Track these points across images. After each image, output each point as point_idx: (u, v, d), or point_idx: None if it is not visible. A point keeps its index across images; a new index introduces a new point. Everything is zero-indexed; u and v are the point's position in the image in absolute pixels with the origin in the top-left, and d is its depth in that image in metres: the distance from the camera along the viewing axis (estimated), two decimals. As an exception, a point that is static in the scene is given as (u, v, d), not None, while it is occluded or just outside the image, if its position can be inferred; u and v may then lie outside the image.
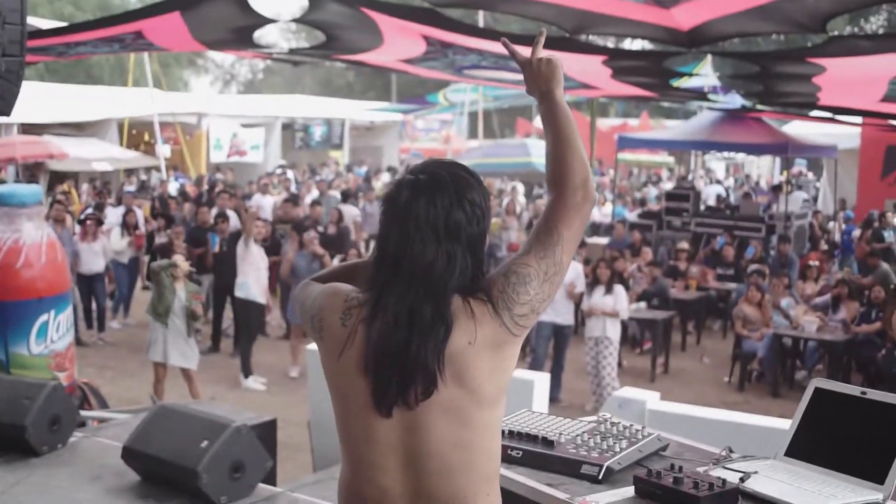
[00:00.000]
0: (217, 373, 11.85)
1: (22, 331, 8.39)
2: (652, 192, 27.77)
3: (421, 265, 2.20)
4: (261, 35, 10.91)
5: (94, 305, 13.49)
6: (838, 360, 12.06)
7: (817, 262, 15.20)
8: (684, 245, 16.47)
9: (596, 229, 21.09)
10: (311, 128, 33.75)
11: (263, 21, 9.59)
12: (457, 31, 9.66)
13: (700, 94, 16.33)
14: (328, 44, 10.82)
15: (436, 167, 2.33)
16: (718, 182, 31.39)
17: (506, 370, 2.27)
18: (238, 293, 11.53)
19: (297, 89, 54.96)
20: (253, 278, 11.36)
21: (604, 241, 18.26)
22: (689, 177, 29.53)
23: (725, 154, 25.06)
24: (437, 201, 2.23)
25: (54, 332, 8.59)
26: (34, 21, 15.07)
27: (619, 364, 12.20)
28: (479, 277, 2.27)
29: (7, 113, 8.51)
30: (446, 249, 2.21)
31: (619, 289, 11.07)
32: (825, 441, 2.42)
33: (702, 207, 20.71)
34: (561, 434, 2.49)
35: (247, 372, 11.46)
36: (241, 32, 10.37)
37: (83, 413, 7.62)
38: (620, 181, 31.00)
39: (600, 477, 2.30)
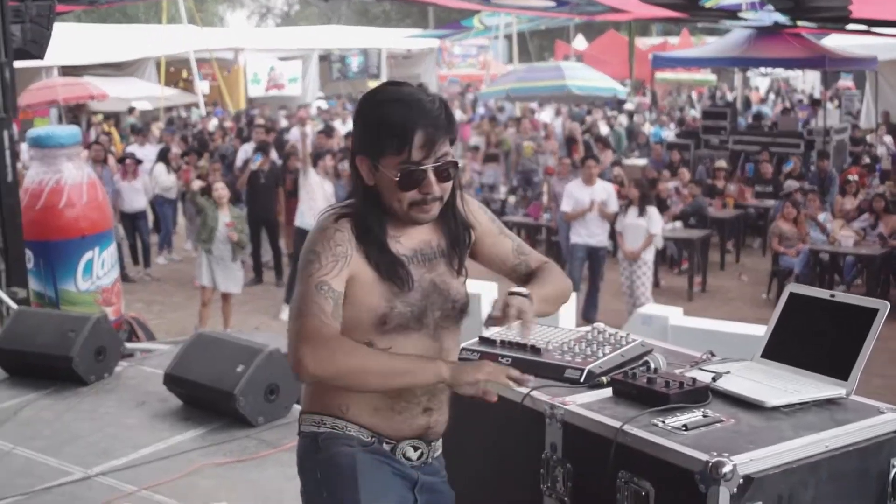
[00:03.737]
0: (260, 303, 12.14)
1: (68, 268, 8.71)
2: (691, 112, 27.58)
3: None
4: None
5: (139, 242, 13.79)
6: (876, 275, 12.09)
7: (857, 177, 15.05)
8: (722, 164, 16.43)
9: (633, 149, 21.08)
10: (349, 58, 33.64)
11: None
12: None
13: (731, 13, 16.14)
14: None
15: None
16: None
17: None
18: (296, 222, 11.73)
19: (333, 20, 54.68)
20: (307, 206, 11.48)
21: (641, 161, 18.28)
22: (732, 95, 29.18)
23: (765, 70, 24.77)
24: None
25: (99, 269, 8.89)
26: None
27: (657, 284, 12.31)
28: None
29: (40, 56, 8.77)
30: None
31: (652, 210, 11.09)
32: (797, 342, 2.58)
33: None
34: (549, 342, 2.66)
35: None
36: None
37: (130, 345, 7.93)
38: (661, 101, 30.77)
39: (582, 380, 2.48)
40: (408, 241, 2.53)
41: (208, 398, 5.38)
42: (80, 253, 8.75)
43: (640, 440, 2.14)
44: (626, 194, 11.09)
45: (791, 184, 14.45)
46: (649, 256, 11.06)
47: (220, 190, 10.34)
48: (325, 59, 33.16)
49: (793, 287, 2.68)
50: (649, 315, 6.19)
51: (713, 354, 2.72)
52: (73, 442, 5.11)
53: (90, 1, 12.32)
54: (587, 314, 10.93)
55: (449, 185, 2.49)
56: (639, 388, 2.35)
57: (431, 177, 2.42)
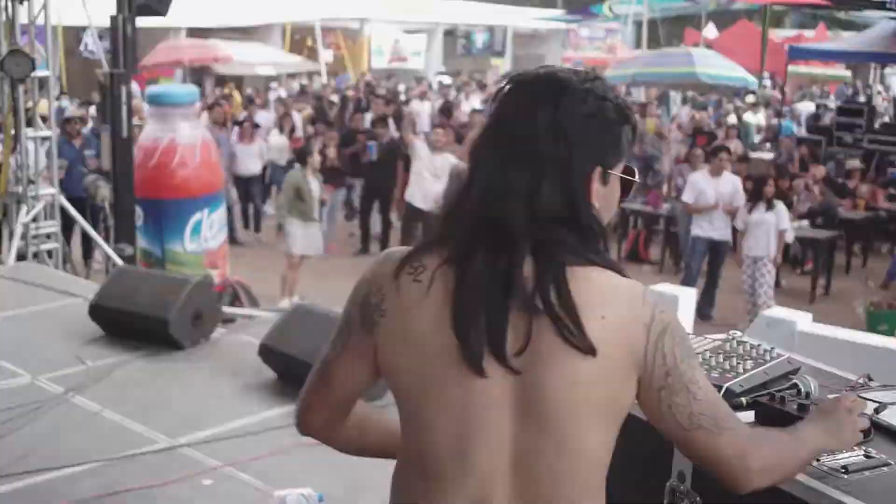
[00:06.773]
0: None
1: (177, 228, 8.65)
2: (809, 106, 26.51)
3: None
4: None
5: (251, 207, 13.74)
6: None
7: None
8: (857, 164, 15.67)
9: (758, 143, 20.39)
10: (474, 34, 33.48)
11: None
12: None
13: (878, 4, 15.33)
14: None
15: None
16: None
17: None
18: (406, 196, 11.66)
19: (462, -6, 54.37)
20: (416, 183, 11.38)
21: (767, 155, 17.62)
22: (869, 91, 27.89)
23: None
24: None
25: (208, 231, 8.82)
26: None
27: (778, 284, 11.76)
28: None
29: (163, 13, 8.71)
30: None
31: (780, 206, 10.56)
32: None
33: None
34: (682, 351, 2.32)
35: None
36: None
37: (231, 310, 7.81)
38: (792, 94, 29.68)
39: (719, 398, 2.13)
40: None
41: (303, 373, 5.15)
42: (190, 213, 8.69)
43: (791, 480, 1.78)
44: (764, 191, 10.45)
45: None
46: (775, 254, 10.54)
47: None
48: (450, 34, 33.00)
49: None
50: (775, 318, 5.74)
51: (871, 378, 2.33)
52: (162, 408, 4.96)
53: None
54: (702, 310, 10.43)
55: None
56: (789, 417, 1.98)
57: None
